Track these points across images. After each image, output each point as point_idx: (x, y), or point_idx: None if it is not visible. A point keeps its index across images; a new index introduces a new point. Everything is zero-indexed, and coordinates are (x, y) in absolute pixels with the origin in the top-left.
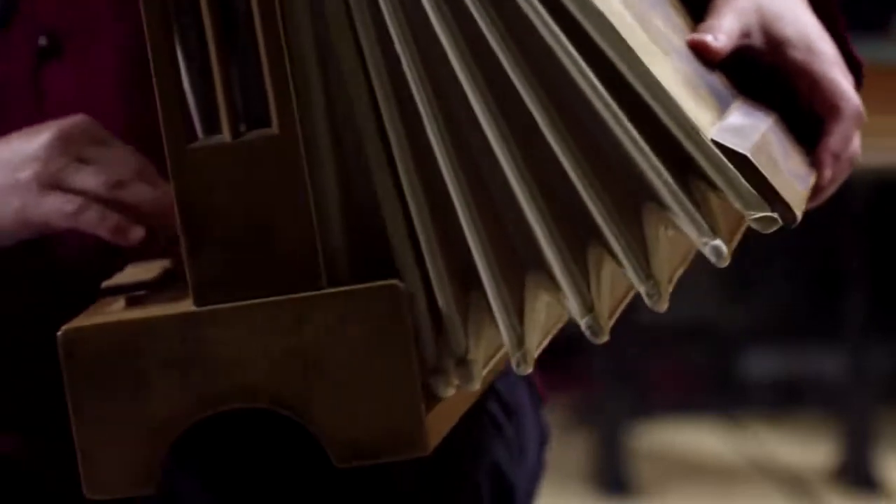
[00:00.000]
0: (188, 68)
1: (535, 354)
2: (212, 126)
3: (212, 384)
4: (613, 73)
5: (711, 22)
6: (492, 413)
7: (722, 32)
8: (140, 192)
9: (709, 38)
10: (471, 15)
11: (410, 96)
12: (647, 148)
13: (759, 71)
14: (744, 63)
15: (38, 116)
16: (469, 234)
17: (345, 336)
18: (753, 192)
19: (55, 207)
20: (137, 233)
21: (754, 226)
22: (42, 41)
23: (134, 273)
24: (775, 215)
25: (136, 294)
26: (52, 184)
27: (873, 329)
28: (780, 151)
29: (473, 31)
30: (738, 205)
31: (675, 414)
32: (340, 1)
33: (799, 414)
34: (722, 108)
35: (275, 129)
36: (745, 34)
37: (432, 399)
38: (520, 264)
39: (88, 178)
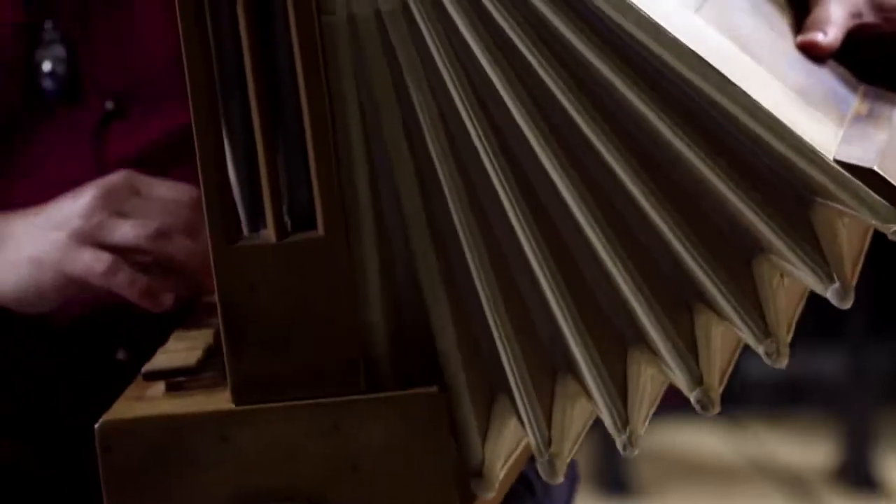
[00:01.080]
0: (234, 159)
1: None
2: (256, 219)
3: (248, 482)
4: (708, 115)
5: (816, 14)
6: (525, 475)
7: (830, 24)
8: (177, 245)
9: (818, 37)
10: (556, 100)
11: (484, 183)
12: (754, 198)
13: (877, 47)
14: (860, 43)
15: (97, 171)
16: (560, 317)
17: (382, 441)
18: (887, 205)
19: (88, 265)
20: (167, 299)
21: (894, 238)
22: (109, 105)
23: (176, 350)
24: None
25: (176, 380)
26: (88, 240)
27: (873, 329)
28: None
29: (558, 111)
30: (874, 221)
31: (675, 414)
32: (396, 106)
33: (799, 414)
34: (842, 110)
35: (320, 231)
36: (856, 14)
37: (470, 499)
38: (620, 341)
39: (124, 232)
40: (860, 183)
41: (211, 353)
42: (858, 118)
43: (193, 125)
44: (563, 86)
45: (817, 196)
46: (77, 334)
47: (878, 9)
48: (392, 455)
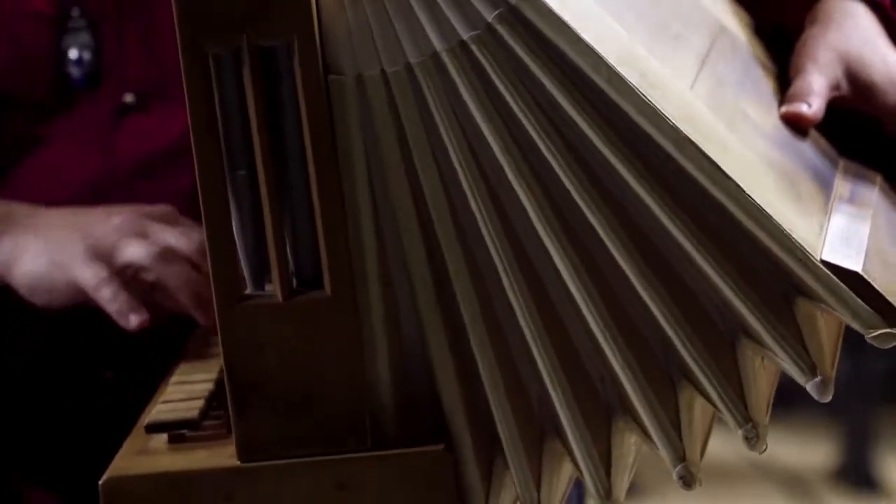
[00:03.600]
0: (239, 215)
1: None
2: (261, 277)
3: None
4: (704, 203)
5: (799, 85)
6: None
7: (813, 95)
8: (176, 272)
9: (803, 108)
10: (554, 173)
11: (482, 251)
12: (742, 284)
13: (851, 120)
14: (835, 115)
15: (110, 163)
16: (549, 382)
17: (388, 499)
18: (871, 311)
19: (85, 278)
20: (134, 321)
21: (873, 343)
22: (128, 98)
23: (177, 398)
24: (894, 331)
25: (179, 432)
26: (101, 256)
27: None
28: (889, 233)
29: (556, 186)
30: (855, 325)
31: None
32: (401, 163)
33: (799, 414)
34: (825, 192)
35: (327, 290)
36: (835, 86)
37: None
38: (605, 408)
39: (133, 250)
40: (846, 287)
41: (213, 400)
42: (841, 202)
43: (199, 184)
44: (562, 160)
45: (802, 294)
46: (64, 354)
47: (853, 84)
48: None
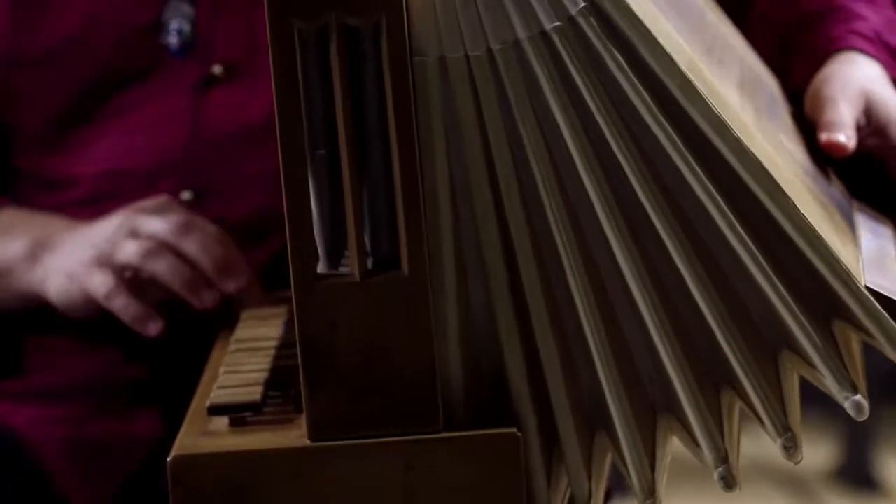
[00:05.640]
0: (317, 195)
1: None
2: (334, 256)
3: None
4: (761, 218)
5: (832, 116)
6: None
7: (848, 127)
8: (164, 266)
9: (842, 138)
10: (622, 171)
11: (548, 241)
12: (791, 299)
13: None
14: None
15: (196, 136)
16: (603, 377)
17: (457, 481)
18: None
19: (95, 286)
20: (154, 327)
21: None
22: (216, 70)
23: (233, 384)
24: None
25: (240, 416)
26: (106, 262)
27: None
28: None
29: (623, 184)
30: (889, 350)
31: None
32: (480, 147)
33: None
34: (847, 222)
35: (405, 270)
36: (857, 120)
37: None
38: (651, 407)
39: (128, 251)
40: (886, 314)
41: (268, 389)
42: (868, 240)
43: (282, 163)
44: (630, 157)
45: (839, 317)
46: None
47: (870, 119)
48: (466, 496)
